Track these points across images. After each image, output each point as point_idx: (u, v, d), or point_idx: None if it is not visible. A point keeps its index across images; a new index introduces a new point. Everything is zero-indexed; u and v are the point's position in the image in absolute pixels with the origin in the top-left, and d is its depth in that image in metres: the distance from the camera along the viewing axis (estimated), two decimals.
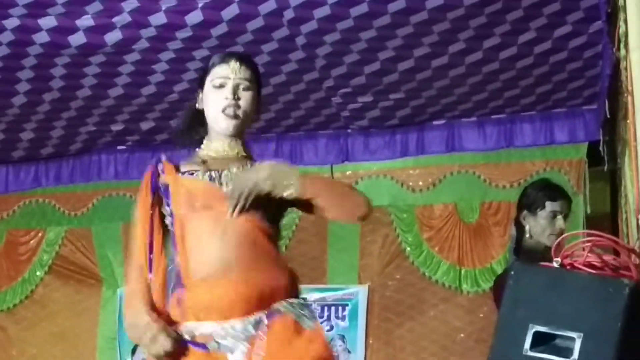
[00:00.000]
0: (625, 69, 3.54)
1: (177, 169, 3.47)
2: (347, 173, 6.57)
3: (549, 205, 4.61)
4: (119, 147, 6.58)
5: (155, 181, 3.47)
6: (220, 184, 3.39)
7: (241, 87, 3.47)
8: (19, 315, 6.98)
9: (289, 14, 4.80)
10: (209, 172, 3.42)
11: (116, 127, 6.23)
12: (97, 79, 5.50)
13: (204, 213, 3.38)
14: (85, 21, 4.85)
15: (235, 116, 3.44)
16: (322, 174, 6.51)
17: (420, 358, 6.30)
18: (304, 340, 3.32)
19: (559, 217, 4.62)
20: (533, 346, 3.12)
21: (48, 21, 4.85)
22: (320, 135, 6.40)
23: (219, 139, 3.51)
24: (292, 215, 6.52)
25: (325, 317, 6.53)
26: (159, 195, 3.46)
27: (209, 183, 3.41)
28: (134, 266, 3.46)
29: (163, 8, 4.75)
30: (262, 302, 3.32)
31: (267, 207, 3.38)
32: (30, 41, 5.02)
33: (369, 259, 6.53)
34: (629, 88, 3.34)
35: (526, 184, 5.78)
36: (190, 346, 3.31)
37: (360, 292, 6.50)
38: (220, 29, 4.91)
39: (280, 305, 3.33)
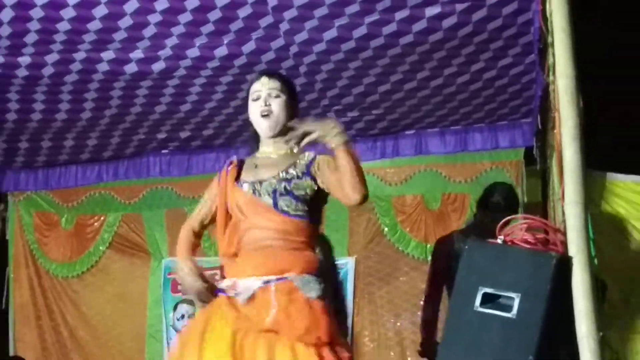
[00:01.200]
0: (553, 91, 3.54)
1: (241, 168, 3.46)
2: None
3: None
4: (163, 151, 6.55)
5: (225, 179, 3.47)
6: (260, 194, 3.35)
7: (272, 95, 3.43)
8: (86, 281, 6.95)
9: (294, 49, 4.80)
10: (252, 185, 3.38)
11: (161, 136, 6.21)
12: (145, 98, 5.49)
13: (249, 217, 3.36)
14: (137, 54, 4.85)
15: (268, 116, 3.40)
16: None
17: (395, 313, 6.30)
18: (299, 306, 3.26)
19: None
20: (482, 304, 3.14)
21: (108, 54, 4.85)
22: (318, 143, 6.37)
23: (265, 142, 3.48)
24: None
25: None
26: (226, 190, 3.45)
27: (252, 196, 3.37)
28: (187, 222, 3.53)
29: (197, 44, 4.76)
30: (275, 270, 3.30)
31: (306, 204, 3.37)
32: (94, 70, 5.01)
33: (355, 237, 6.51)
34: (556, 106, 3.34)
35: (477, 180, 5.82)
36: (219, 293, 3.34)
37: (349, 263, 6.47)
38: (241, 60, 4.91)
39: (291, 274, 3.30)
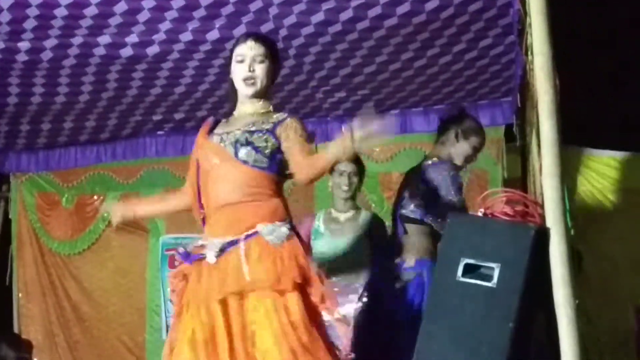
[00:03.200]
0: (532, 69, 3.53)
1: (214, 127, 3.56)
2: None
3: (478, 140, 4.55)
4: (159, 132, 6.53)
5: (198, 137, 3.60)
6: (225, 145, 3.43)
7: (257, 60, 3.47)
8: (88, 258, 6.94)
9: (283, 32, 4.79)
10: (220, 136, 3.47)
11: (156, 117, 6.19)
12: (141, 81, 5.46)
13: (214, 167, 3.43)
14: (132, 38, 4.82)
15: (253, 84, 3.47)
16: None
17: None
18: (267, 256, 3.30)
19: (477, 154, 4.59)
20: (464, 274, 3.14)
21: (104, 39, 4.83)
22: (307, 122, 6.28)
23: (243, 102, 3.53)
24: (287, 182, 6.53)
25: None
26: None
27: (218, 145, 3.46)
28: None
29: (190, 28, 4.73)
30: (242, 229, 3.34)
31: (266, 157, 3.42)
32: (91, 54, 4.99)
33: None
34: (534, 84, 3.35)
35: None
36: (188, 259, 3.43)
37: None
38: (232, 44, 4.87)
39: (259, 228, 3.33)
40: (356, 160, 4.65)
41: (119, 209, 3.82)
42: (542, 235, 3.02)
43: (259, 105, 3.52)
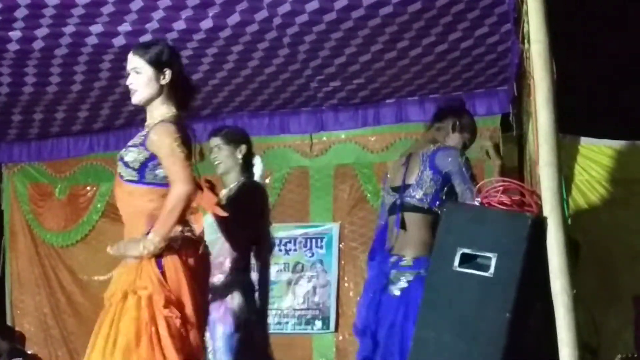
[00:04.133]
0: (528, 58, 3.52)
1: None
2: (323, 139, 6.54)
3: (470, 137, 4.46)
4: None
5: None
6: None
7: (133, 72, 3.62)
8: (81, 249, 6.94)
9: (277, 20, 4.77)
10: None
11: None
12: None
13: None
14: (125, 27, 4.81)
15: (133, 94, 3.61)
16: (304, 140, 6.53)
17: None
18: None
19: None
20: (460, 264, 3.14)
21: (96, 28, 4.81)
22: (302, 112, 6.36)
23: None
24: (281, 172, 6.55)
25: (308, 247, 6.53)
26: None
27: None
28: None
29: (183, 17, 4.72)
30: None
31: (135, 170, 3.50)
32: (83, 43, 4.98)
33: (340, 203, 6.51)
34: (531, 72, 3.34)
35: None
36: None
37: (334, 228, 6.49)
38: (226, 32, 4.88)
39: None
40: (223, 133, 4.65)
41: None
42: (539, 224, 3.02)
43: (152, 115, 3.59)
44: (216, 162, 4.59)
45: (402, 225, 4.21)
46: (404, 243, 4.20)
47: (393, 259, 4.21)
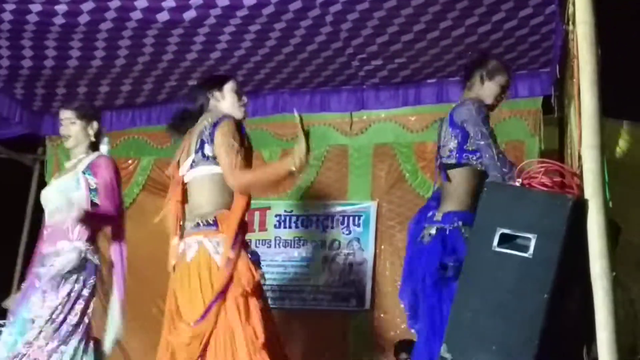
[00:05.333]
0: (572, 39, 3.49)
1: None
2: (363, 118, 6.53)
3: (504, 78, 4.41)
4: None
5: None
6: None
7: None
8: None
9: None
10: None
11: (192, 83, 6.19)
12: (177, 46, 5.47)
13: None
14: (169, 3, 4.84)
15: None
16: (344, 119, 6.53)
17: None
18: None
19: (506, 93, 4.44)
20: (499, 244, 3.13)
21: (141, 3, 4.85)
22: (342, 90, 6.35)
23: None
24: (321, 150, 6.55)
25: (345, 225, 6.53)
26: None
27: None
28: None
29: None
30: None
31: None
32: (128, 17, 5.01)
33: (378, 182, 6.51)
34: (576, 54, 3.30)
35: (495, 127, 5.49)
36: None
37: (371, 206, 6.49)
38: (269, 9, 4.89)
39: None
40: (76, 107, 4.74)
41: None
42: (580, 206, 3.00)
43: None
44: (66, 135, 4.66)
45: (447, 178, 4.27)
46: (442, 200, 4.29)
47: (429, 213, 4.31)
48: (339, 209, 6.54)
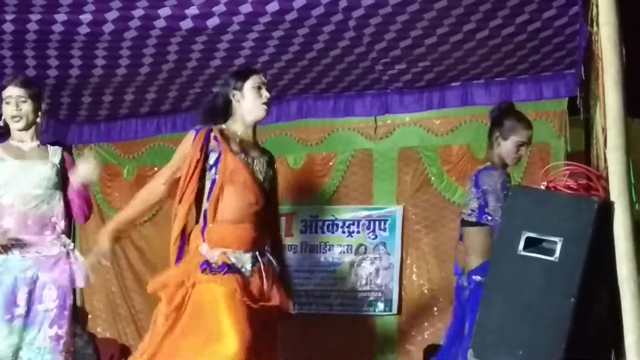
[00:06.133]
0: (597, 41, 3.47)
1: (224, 138, 3.85)
2: (388, 122, 6.53)
3: (519, 136, 4.55)
4: None
5: (206, 143, 3.82)
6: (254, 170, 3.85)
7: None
8: (149, 229, 6.99)
9: (343, 3, 4.79)
10: (245, 157, 3.84)
11: (216, 89, 6.21)
12: (201, 53, 5.50)
13: (235, 184, 3.77)
14: (192, 10, 4.86)
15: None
16: (368, 123, 6.53)
17: (440, 259, 6.27)
18: (277, 285, 3.80)
19: (524, 147, 4.57)
20: (525, 248, 3.12)
21: (165, 11, 4.87)
22: (367, 94, 6.37)
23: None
24: (346, 155, 6.56)
25: (371, 229, 6.53)
26: (206, 154, 3.81)
27: (248, 166, 3.83)
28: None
29: (249, 0, 4.74)
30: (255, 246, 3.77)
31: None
32: (152, 26, 5.04)
33: (403, 186, 6.50)
34: (600, 55, 3.29)
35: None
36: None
37: (397, 211, 6.48)
38: (292, 15, 4.90)
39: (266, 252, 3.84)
40: (26, 83, 4.27)
41: (106, 242, 3.92)
42: (606, 209, 2.98)
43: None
44: (15, 114, 4.21)
45: (460, 238, 4.62)
46: (463, 254, 4.56)
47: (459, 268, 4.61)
48: (364, 213, 6.55)
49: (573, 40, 5.21)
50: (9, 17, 4.89)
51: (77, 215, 4.39)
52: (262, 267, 3.76)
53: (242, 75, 3.96)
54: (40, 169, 4.25)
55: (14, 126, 4.25)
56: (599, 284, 3.04)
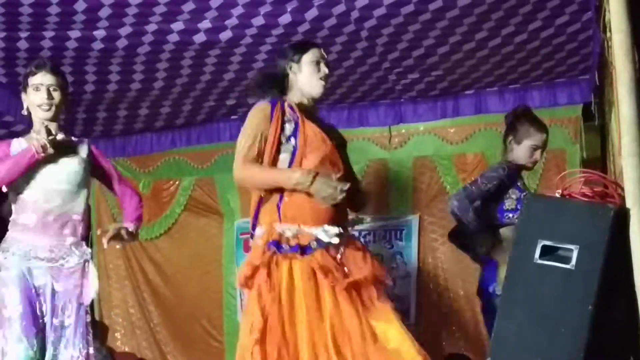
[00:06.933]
0: (610, 47, 3.47)
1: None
2: (402, 131, 6.52)
3: (533, 140, 4.62)
4: (232, 117, 6.60)
5: (283, 114, 3.68)
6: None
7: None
8: (165, 242, 7.03)
9: (355, 14, 4.79)
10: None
11: (230, 102, 6.25)
12: (215, 67, 5.52)
13: (317, 152, 3.63)
14: (205, 24, 4.88)
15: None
16: (383, 133, 6.53)
17: (457, 267, 6.26)
18: (369, 257, 3.67)
19: (538, 151, 4.61)
20: (541, 256, 3.11)
21: (177, 25, 4.89)
22: (380, 104, 6.37)
23: None
24: (360, 165, 6.55)
25: (387, 239, 6.53)
26: (282, 125, 3.66)
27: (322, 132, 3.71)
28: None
29: (262, 12, 4.76)
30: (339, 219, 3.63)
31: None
32: (165, 40, 5.07)
33: (419, 195, 6.50)
34: (613, 62, 3.29)
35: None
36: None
37: (413, 220, 6.48)
38: (304, 27, 4.91)
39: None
40: (57, 71, 4.06)
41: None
42: (622, 216, 2.98)
43: None
44: (47, 102, 3.96)
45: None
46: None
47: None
48: (380, 223, 6.54)
49: (586, 46, 5.21)
50: (23, 34, 4.93)
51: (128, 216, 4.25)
52: (347, 240, 3.64)
53: (300, 47, 3.84)
54: (67, 163, 4.02)
55: (42, 115, 3.99)
56: (617, 291, 3.03)
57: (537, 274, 3.10)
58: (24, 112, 4.07)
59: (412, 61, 5.52)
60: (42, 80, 3.98)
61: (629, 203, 3.00)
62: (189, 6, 4.65)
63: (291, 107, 3.72)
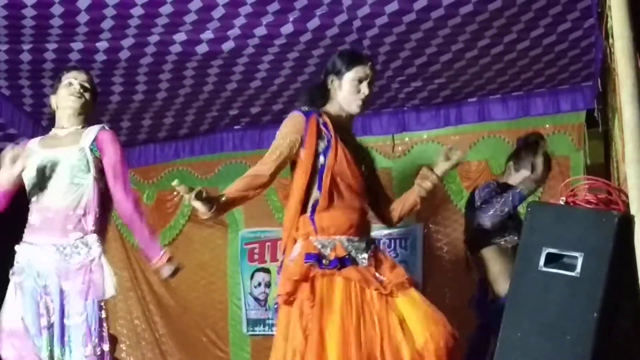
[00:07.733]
0: (612, 53, 3.47)
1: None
2: (405, 140, 6.52)
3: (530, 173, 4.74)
4: (235, 127, 6.61)
5: (319, 129, 3.62)
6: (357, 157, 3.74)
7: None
8: (171, 252, 7.00)
9: (357, 23, 4.80)
10: (347, 145, 3.69)
11: (233, 112, 6.26)
12: (217, 77, 5.53)
13: (347, 175, 3.65)
14: (207, 35, 4.90)
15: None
16: (386, 141, 6.53)
17: (462, 276, 6.21)
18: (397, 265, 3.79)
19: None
20: (546, 264, 3.10)
21: (180, 36, 4.91)
22: (383, 113, 6.37)
23: None
24: None
25: (392, 248, 6.51)
26: (317, 140, 3.61)
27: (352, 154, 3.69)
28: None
29: (264, 23, 4.78)
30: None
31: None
32: (168, 51, 5.08)
33: (423, 204, 6.45)
34: (615, 68, 3.28)
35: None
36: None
37: (417, 229, 6.46)
38: (306, 37, 4.92)
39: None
40: (89, 74, 4.19)
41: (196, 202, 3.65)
42: (627, 222, 2.96)
43: None
44: (77, 91, 4.02)
45: None
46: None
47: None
48: (385, 232, 6.51)
49: (589, 52, 5.21)
50: (26, 47, 4.94)
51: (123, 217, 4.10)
52: (374, 252, 3.72)
53: (346, 62, 3.69)
54: (66, 157, 3.93)
55: (72, 103, 3.99)
56: (622, 298, 3.01)
57: (542, 282, 3.08)
58: (54, 107, 4.09)
59: (415, 69, 5.52)
60: (75, 76, 4.06)
61: (633, 210, 2.99)
62: (191, 17, 4.66)
63: (326, 125, 3.64)
